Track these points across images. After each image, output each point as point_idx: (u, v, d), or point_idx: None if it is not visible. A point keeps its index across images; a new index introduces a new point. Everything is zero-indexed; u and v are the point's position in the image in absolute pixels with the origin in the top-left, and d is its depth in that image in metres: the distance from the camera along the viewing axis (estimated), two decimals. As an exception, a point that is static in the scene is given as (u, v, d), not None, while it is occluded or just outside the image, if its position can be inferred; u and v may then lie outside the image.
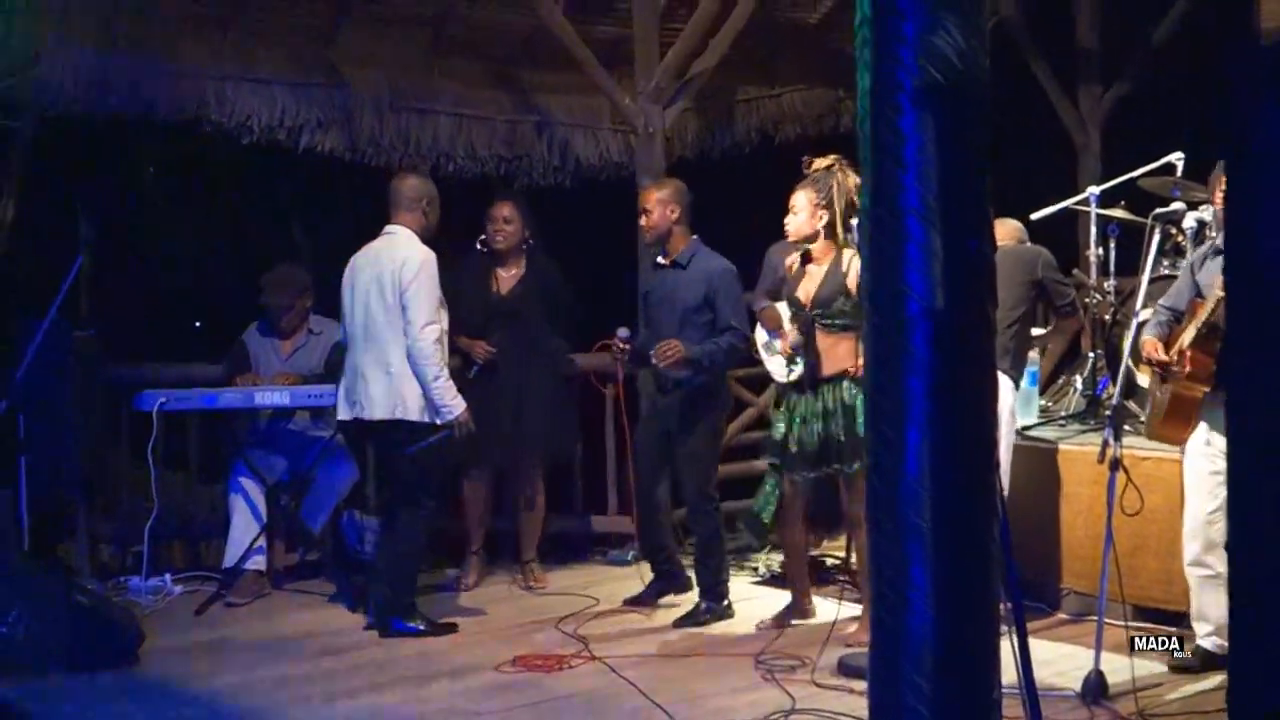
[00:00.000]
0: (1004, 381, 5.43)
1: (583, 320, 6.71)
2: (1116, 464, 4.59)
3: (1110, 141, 8.76)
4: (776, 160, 7.93)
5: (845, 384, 5.24)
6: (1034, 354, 6.26)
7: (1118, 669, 4.59)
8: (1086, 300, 6.72)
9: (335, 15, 7.39)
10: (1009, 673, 2.90)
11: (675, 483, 5.96)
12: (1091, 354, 6.74)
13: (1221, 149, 4.01)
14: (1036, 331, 6.45)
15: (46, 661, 5.00)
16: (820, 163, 5.37)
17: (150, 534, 6.22)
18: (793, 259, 5.56)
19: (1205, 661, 4.73)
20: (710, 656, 5.30)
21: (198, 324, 10.42)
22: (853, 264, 5.18)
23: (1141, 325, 4.94)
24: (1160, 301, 5.03)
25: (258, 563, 6.29)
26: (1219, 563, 4.50)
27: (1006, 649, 2.84)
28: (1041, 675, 3.92)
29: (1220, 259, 4.57)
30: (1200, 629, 4.78)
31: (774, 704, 4.63)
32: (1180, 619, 5.03)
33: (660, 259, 5.98)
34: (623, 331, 5.94)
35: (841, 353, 5.26)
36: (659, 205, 5.88)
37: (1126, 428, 5.05)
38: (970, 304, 2.71)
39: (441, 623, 5.70)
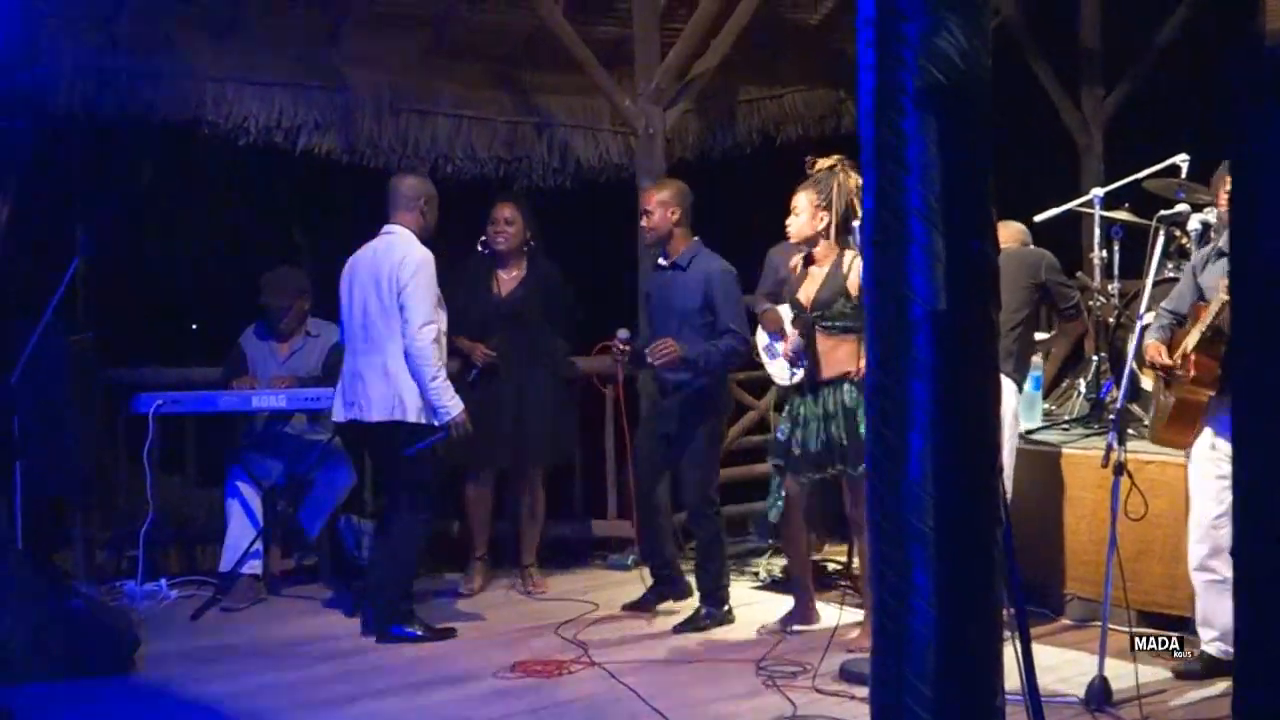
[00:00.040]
0: (1007, 385, 5.42)
1: (583, 322, 6.69)
2: (1121, 468, 4.57)
3: (1113, 143, 8.74)
4: (777, 162, 7.92)
5: (845, 386, 5.22)
6: (1038, 359, 6.23)
7: (1122, 675, 4.57)
8: (1090, 303, 6.70)
9: (335, 16, 7.36)
10: (1012, 678, 2.87)
11: (676, 486, 5.93)
12: (1095, 357, 6.73)
13: (1225, 150, 4.00)
14: (1040, 335, 6.42)
15: (42, 666, 4.97)
16: (823, 163, 5.35)
17: (146, 538, 6.19)
18: (796, 261, 5.54)
19: (1210, 667, 4.70)
20: (711, 662, 5.28)
21: (195, 326, 10.40)
22: (854, 266, 5.16)
23: (1145, 329, 4.91)
24: (1161, 304, 5.00)
25: (254, 567, 6.26)
26: (1224, 568, 4.48)
27: (1009, 654, 2.82)
28: (1045, 681, 3.89)
29: (1223, 261, 4.54)
30: (1205, 634, 4.75)
31: (775, 710, 4.61)
32: (1185, 624, 5.02)
33: (661, 260, 5.96)
34: (622, 333, 5.91)
35: (841, 355, 5.24)
36: (660, 206, 5.86)
37: (1131, 432, 5.04)
38: (973, 306, 2.69)
39: (440, 628, 5.67)
